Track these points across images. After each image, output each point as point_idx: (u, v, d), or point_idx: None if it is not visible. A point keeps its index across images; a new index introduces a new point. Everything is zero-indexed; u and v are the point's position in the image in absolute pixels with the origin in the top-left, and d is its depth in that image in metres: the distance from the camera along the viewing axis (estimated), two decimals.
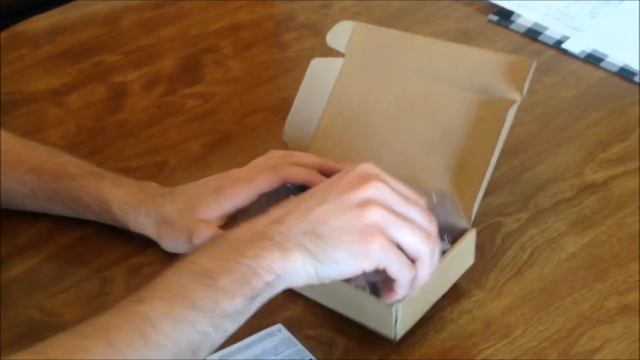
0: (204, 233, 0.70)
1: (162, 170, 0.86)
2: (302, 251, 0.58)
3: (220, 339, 0.57)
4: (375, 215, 0.59)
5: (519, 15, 1.12)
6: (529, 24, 1.10)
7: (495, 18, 1.12)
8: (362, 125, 0.79)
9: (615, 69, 1.02)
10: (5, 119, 0.93)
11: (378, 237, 0.58)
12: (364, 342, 0.68)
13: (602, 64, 1.03)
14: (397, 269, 0.59)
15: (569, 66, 1.03)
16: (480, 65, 0.74)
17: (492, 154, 0.71)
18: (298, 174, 0.71)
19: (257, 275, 0.56)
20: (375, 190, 0.60)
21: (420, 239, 0.60)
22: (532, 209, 0.81)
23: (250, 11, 1.15)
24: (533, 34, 1.09)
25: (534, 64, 0.72)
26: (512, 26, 1.11)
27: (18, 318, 0.70)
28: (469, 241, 0.72)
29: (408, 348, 0.68)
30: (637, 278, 0.74)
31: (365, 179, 0.60)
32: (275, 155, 0.74)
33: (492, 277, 0.74)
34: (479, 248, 0.74)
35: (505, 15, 1.12)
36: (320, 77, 0.80)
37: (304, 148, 0.80)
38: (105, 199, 0.74)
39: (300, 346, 0.67)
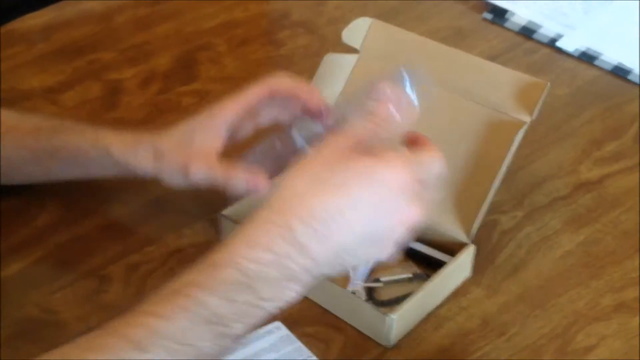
0: (199, 169, 0.70)
1: None
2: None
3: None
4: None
5: (513, 14, 1.12)
6: (523, 22, 1.11)
7: (489, 16, 1.13)
8: None
9: (609, 67, 1.02)
10: None
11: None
12: (362, 340, 0.69)
13: (596, 62, 1.03)
14: None
15: (563, 64, 1.04)
16: (495, 81, 0.74)
17: (498, 174, 0.71)
18: (287, 84, 0.71)
19: (273, 313, 0.52)
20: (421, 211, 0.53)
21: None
22: (528, 207, 0.81)
23: (245, 9, 1.15)
24: (527, 32, 1.09)
25: (548, 87, 0.71)
26: (506, 24, 1.11)
27: (16, 315, 0.70)
28: (467, 255, 0.72)
29: (405, 346, 0.68)
30: (633, 275, 0.74)
31: (410, 203, 0.53)
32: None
33: (489, 274, 0.74)
34: (475, 245, 0.74)
35: (499, 14, 1.13)
36: (333, 72, 0.79)
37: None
38: (103, 144, 0.74)
39: (299, 343, 0.67)
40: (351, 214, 0.52)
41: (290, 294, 0.52)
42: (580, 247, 0.77)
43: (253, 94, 0.71)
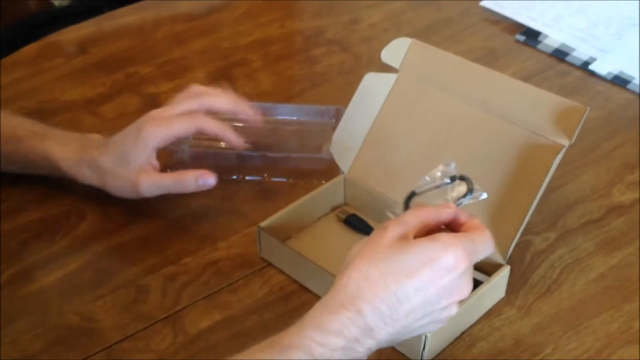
0: (147, 185, 0.78)
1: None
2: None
3: None
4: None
5: (546, 36, 1.13)
6: (556, 45, 1.11)
7: (522, 38, 1.13)
8: (407, 146, 0.80)
9: None
10: None
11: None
12: (395, 356, 0.69)
13: (628, 86, 1.04)
14: None
15: (596, 87, 1.04)
16: (535, 104, 0.74)
17: (535, 197, 0.72)
18: (213, 127, 0.79)
19: None
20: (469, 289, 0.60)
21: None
22: (561, 228, 0.82)
23: (280, 26, 1.17)
24: (560, 54, 1.10)
25: (587, 111, 0.72)
26: (539, 46, 1.12)
27: (57, 322, 0.71)
28: (502, 276, 0.73)
29: None
30: None
31: (466, 283, 0.59)
32: (193, 91, 0.81)
33: (522, 295, 0.75)
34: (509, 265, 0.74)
35: (532, 36, 1.13)
36: (372, 91, 0.80)
37: (348, 160, 0.82)
38: (51, 158, 0.80)
39: None
40: (418, 298, 0.57)
41: None
42: (613, 270, 0.77)
43: (182, 129, 0.78)
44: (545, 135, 0.73)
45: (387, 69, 0.82)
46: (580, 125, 0.72)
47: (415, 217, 0.60)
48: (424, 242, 0.57)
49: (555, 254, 0.79)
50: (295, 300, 0.74)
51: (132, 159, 0.78)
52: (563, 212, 0.84)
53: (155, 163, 0.80)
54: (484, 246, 0.59)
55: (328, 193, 0.82)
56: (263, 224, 0.76)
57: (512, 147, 0.74)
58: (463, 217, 0.61)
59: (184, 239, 0.80)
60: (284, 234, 0.79)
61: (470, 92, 0.78)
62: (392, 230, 0.58)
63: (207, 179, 0.79)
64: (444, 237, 0.58)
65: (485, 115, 0.76)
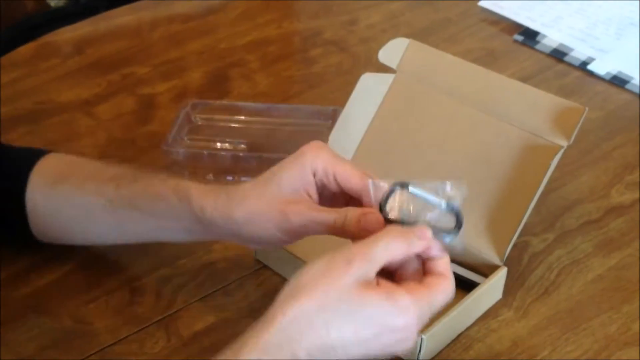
0: (299, 213, 0.62)
1: None
2: None
3: None
4: None
5: (544, 36, 1.13)
6: (554, 45, 1.11)
7: (520, 38, 1.13)
8: (405, 146, 0.79)
9: None
10: (37, 127, 0.94)
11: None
12: (391, 358, 0.68)
13: (627, 86, 1.03)
14: None
15: (595, 87, 1.04)
16: (533, 105, 0.73)
17: (533, 198, 0.71)
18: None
19: None
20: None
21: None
22: (559, 229, 0.81)
23: (278, 26, 1.17)
24: (558, 54, 1.09)
25: (585, 112, 0.71)
26: (538, 46, 1.11)
27: (51, 325, 0.71)
28: (499, 278, 0.72)
29: None
30: None
31: (409, 341, 0.56)
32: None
33: (519, 296, 0.74)
34: (506, 267, 0.74)
35: (531, 36, 1.13)
36: (369, 91, 0.80)
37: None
38: (184, 187, 0.67)
39: None
40: (356, 350, 0.54)
41: None
42: (611, 272, 0.77)
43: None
44: (543, 136, 0.73)
45: (384, 69, 0.82)
46: (578, 125, 0.71)
47: (385, 252, 0.55)
48: (381, 299, 0.54)
49: (553, 255, 0.78)
50: None
51: (286, 181, 0.63)
52: (561, 213, 0.83)
53: (313, 193, 0.64)
54: (442, 299, 0.56)
55: None
56: None
57: (511, 148, 0.74)
58: (434, 251, 0.57)
59: None
60: None
61: (468, 92, 0.77)
62: (357, 269, 0.54)
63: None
64: (403, 300, 0.54)
65: (484, 116, 0.76)
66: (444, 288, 0.57)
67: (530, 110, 0.74)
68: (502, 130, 0.75)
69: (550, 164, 0.71)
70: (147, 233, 0.71)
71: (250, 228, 0.64)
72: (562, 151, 0.72)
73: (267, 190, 0.64)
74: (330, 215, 0.62)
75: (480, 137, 0.76)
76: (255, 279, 0.76)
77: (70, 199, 0.72)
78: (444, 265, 0.57)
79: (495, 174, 0.74)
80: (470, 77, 0.78)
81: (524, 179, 0.72)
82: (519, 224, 0.71)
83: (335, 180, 0.64)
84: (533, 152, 0.73)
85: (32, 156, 0.74)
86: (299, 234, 0.63)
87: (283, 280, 0.75)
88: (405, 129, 0.80)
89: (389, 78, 0.81)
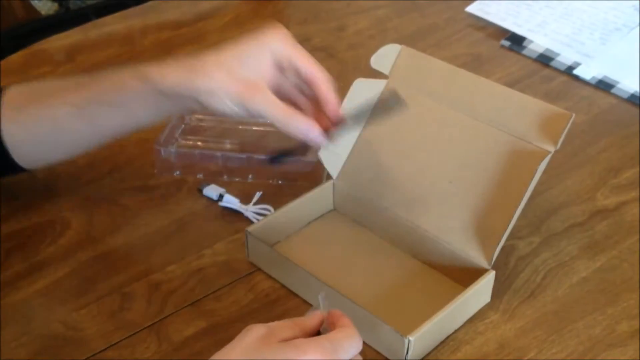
0: (260, 101, 0.67)
1: (181, 189, 0.88)
2: None
3: None
4: None
5: (530, 41, 1.14)
6: (540, 50, 1.12)
7: (507, 43, 1.14)
8: (396, 151, 0.80)
9: (626, 96, 1.03)
10: None
11: None
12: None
13: (612, 90, 1.04)
14: None
15: (580, 92, 1.05)
16: (521, 111, 0.74)
17: (520, 202, 0.72)
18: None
19: None
20: None
21: None
22: (545, 232, 0.82)
23: None
24: (545, 59, 1.11)
25: (572, 118, 0.72)
26: (524, 52, 1.12)
27: (42, 331, 0.71)
28: (487, 281, 0.73)
29: None
30: None
31: None
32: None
33: (506, 299, 0.75)
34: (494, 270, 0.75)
35: (517, 41, 1.14)
36: (362, 97, 0.81)
37: (338, 166, 0.82)
38: (143, 70, 0.72)
39: None
40: None
41: None
42: (596, 274, 0.78)
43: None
44: (531, 141, 0.74)
45: (373, 74, 0.82)
46: (565, 131, 0.72)
47: (282, 324, 0.57)
48: (281, 346, 0.55)
49: (539, 258, 0.79)
50: (280, 307, 0.74)
51: (249, 66, 0.68)
52: (547, 216, 0.84)
53: (272, 83, 0.69)
54: (349, 342, 0.57)
55: (317, 198, 0.83)
56: (251, 228, 0.77)
57: (499, 153, 0.75)
58: (334, 318, 0.59)
59: (169, 246, 0.80)
60: (272, 239, 0.79)
61: (458, 98, 0.78)
62: (256, 332, 0.56)
63: (317, 136, 0.70)
64: (299, 341, 0.55)
65: (472, 121, 0.77)
66: (346, 333, 0.57)
67: (518, 116, 0.75)
68: (491, 136, 0.76)
69: (537, 169, 0.72)
70: (119, 126, 0.76)
71: (211, 99, 0.68)
72: (549, 156, 0.73)
73: (227, 63, 0.68)
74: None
75: (470, 142, 0.77)
76: (246, 283, 0.76)
77: (39, 118, 0.76)
78: (345, 320, 0.58)
79: (483, 178, 0.75)
80: (460, 83, 0.79)
81: (511, 184, 0.73)
82: (507, 228, 0.72)
83: (292, 64, 0.68)
84: (521, 157, 0.74)
85: None
86: (255, 116, 0.68)
87: (273, 285, 0.76)
88: (397, 134, 0.80)
89: (380, 84, 0.82)
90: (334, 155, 0.82)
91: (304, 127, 0.69)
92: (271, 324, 0.57)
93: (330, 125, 0.72)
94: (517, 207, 0.72)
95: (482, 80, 0.79)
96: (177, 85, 0.70)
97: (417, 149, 0.79)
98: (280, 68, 0.70)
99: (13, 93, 0.79)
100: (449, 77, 0.80)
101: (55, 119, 0.76)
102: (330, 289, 0.70)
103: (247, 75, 0.68)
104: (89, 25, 1.18)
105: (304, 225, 0.82)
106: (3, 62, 1.08)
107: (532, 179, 0.72)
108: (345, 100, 0.81)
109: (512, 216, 0.72)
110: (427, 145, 0.79)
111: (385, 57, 0.82)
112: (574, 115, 0.73)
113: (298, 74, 0.71)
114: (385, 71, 0.82)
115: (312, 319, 0.59)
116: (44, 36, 1.14)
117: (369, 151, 0.82)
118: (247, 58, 0.69)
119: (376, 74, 0.82)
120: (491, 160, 0.75)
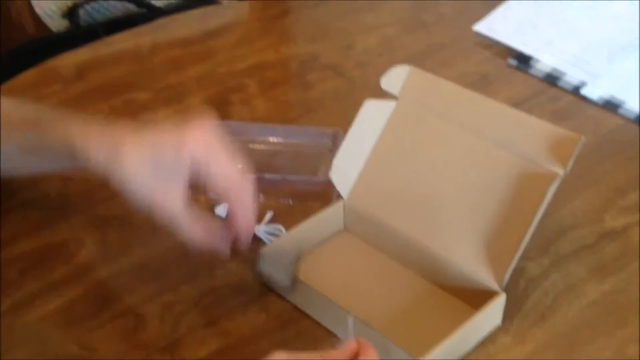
0: (168, 207, 0.71)
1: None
2: None
3: None
4: None
5: (537, 60, 1.15)
6: (547, 69, 1.13)
7: (514, 62, 1.15)
8: (406, 172, 0.81)
9: (632, 116, 1.04)
10: None
11: None
12: None
13: (619, 111, 1.05)
14: None
15: (587, 112, 1.06)
16: (530, 133, 0.75)
17: (531, 225, 0.73)
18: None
19: None
20: None
21: None
22: (554, 254, 0.83)
23: (275, 51, 1.19)
24: (551, 79, 1.11)
25: (582, 141, 0.73)
26: (531, 71, 1.13)
27: (56, 352, 0.72)
28: (498, 304, 0.73)
29: None
30: None
31: None
32: None
33: (517, 322, 0.75)
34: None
35: (524, 60, 1.15)
36: (372, 118, 0.81)
37: (348, 186, 0.83)
38: (72, 140, 0.74)
39: None
40: None
41: None
42: (606, 296, 0.78)
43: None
44: (540, 163, 0.74)
45: (381, 93, 0.83)
46: (575, 154, 0.73)
47: (307, 355, 0.58)
48: None
49: (549, 280, 0.80)
50: (293, 328, 0.75)
51: (167, 170, 0.70)
52: (556, 237, 0.85)
53: (186, 191, 0.72)
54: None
55: (328, 219, 0.83)
56: (264, 250, 0.78)
57: (508, 175, 0.76)
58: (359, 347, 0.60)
59: (182, 266, 0.81)
60: (284, 259, 0.79)
61: (467, 120, 0.79)
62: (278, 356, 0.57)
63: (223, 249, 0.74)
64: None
65: (482, 143, 0.78)
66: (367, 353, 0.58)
67: (527, 138, 0.75)
68: (500, 157, 0.76)
69: (547, 192, 0.73)
70: (39, 169, 0.83)
71: (128, 186, 0.71)
72: (559, 179, 0.73)
73: (147, 157, 0.70)
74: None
75: (480, 163, 0.77)
76: (259, 304, 0.77)
77: None
78: (362, 343, 0.60)
79: (493, 200, 0.76)
80: (470, 104, 0.80)
81: (521, 206, 0.74)
82: (517, 251, 0.73)
83: (210, 170, 0.71)
84: (531, 179, 0.74)
85: None
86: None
87: (286, 305, 0.77)
88: (406, 155, 0.81)
89: (390, 105, 0.83)
90: (345, 176, 0.83)
91: (207, 242, 0.73)
92: (296, 353, 0.57)
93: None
94: (527, 229, 0.73)
95: (492, 102, 0.79)
96: (98, 164, 0.72)
97: (427, 170, 0.80)
98: (199, 171, 0.71)
99: None
100: (458, 99, 0.81)
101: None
102: (351, 314, 0.70)
103: (163, 179, 0.70)
104: (99, 43, 1.19)
105: (315, 245, 0.83)
106: (15, 79, 1.08)
107: (542, 202, 0.73)
108: (356, 120, 0.82)
109: (523, 239, 0.73)
110: (437, 166, 0.80)
111: (394, 78, 0.83)
112: (583, 138, 0.73)
113: (215, 180, 0.72)
114: (395, 92, 0.83)
115: (341, 352, 0.59)
116: (54, 53, 1.15)
117: (380, 172, 0.82)
118: (165, 162, 0.70)
119: (385, 93, 0.83)
120: (501, 182, 0.76)
